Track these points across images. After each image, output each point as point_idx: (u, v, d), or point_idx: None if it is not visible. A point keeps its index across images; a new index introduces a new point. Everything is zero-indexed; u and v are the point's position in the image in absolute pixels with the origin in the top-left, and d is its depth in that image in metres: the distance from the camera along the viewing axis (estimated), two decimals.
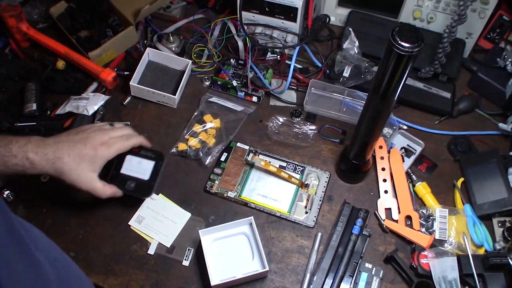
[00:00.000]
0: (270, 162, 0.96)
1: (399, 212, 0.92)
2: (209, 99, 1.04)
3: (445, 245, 0.88)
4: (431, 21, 1.07)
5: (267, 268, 0.83)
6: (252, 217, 0.87)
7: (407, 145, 1.00)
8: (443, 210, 0.90)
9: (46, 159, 0.77)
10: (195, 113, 1.03)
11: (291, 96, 1.06)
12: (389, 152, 0.98)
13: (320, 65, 1.08)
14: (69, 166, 0.78)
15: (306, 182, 0.95)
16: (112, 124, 0.89)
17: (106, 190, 0.83)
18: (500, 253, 0.83)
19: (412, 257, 0.85)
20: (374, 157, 0.97)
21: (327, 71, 1.07)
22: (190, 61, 1.05)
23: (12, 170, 0.76)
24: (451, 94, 1.03)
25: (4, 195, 0.91)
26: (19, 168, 0.76)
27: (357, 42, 1.03)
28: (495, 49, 1.07)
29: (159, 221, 0.91)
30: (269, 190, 0.94)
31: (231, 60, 1.09)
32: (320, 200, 0.94)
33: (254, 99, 1.06)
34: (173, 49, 1.10)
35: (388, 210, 0.93)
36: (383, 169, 0.96)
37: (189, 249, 0.89)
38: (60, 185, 0.93)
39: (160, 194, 0.94)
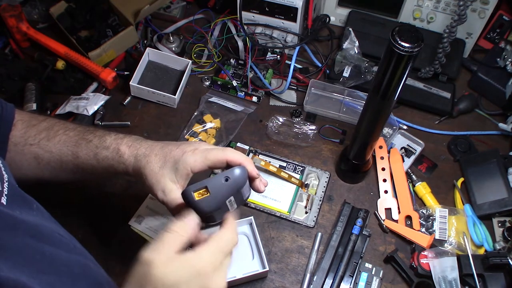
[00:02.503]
0: (270, 162, 0.96)
1: (399, 212, 0.92)
2: (209, 99, 1.05)
3: (445, 245, 0.88)
4: (431, 21, 1.07)
5: (267, 268, 0.83)
6: (252, 217, 0.87)
7: (407, 145, 1.00)
8: (443, 210, 0.90)
9: (135, 154, 0.69)
10: (195, 113, 1.03)
11: (291, 96, 1.06)
12: (389, 152, 0.98)
13: (320, 65, 1.08)
14: (151, 167, 0.68)
15: (306, 182, 0.95)
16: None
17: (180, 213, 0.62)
18: (500, 253, 0.83)
19: (412, 257, 0.85)
20: (374, 157, 0.97)
21: (327, 71, 1.07)
22: (190, 61, 1.05)
23: (101, 166, 0.71)
24: (451, 94, 1.03)
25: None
26: (108, 162, 0.70)
27: (357, 42, 1.03)
28: (495, 49, 1.07)
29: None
30: (269, 190, 0.94)
31: (231, 60, 1.09)
32: (320, 200, 0.94)
33: (254, 99, 1.06)
34: (173, 49, 1.10)
35: (388, 210, 0.93)
36: (383, 169, 0.96)
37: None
38: (60, 186, 0.94)
39: None
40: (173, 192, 0.66)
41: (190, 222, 0.58)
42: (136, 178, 0.71)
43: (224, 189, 0.60)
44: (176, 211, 0.66)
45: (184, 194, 0.60)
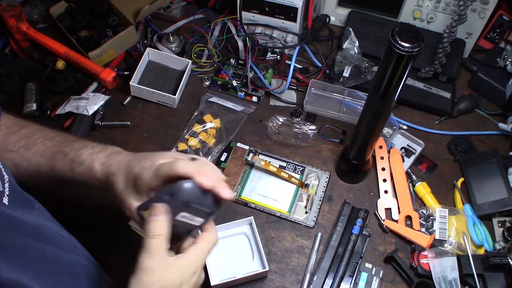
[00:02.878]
0: (270, 162, 0.96)
1: (399, 212, 0.92)
2: (209, 99, 1.04)
3: (445, 245, 0.88)
4: (431, 21, 1.07)
5: (267, 268, 0.83)
6: (252, 217, 0.87)
7: (407, 145, 1.00)
8: (443, 210, 0.90)
9: (106, 173, 0.66)
10: (195, 113, 1.03)
11: (291, 96, 1.06)
12: (389, 152, 0.98)
13: (320, 65, 1.08)
14: (117, 186, 0.65)
15: (306, 182, 0.95)
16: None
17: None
18: (500, 253, 0.83)
19: (412, 257, 0.85)
20: (374, 157, 0.97)
21: (327, 71, 1.07)
22: (190, 61, 1.05)
23: (77, 180, 0.70)
24: (451, 94, 1.03)
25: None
26: (84, 178, 0.69)
27: (357, 42, 1.03)
28: (495, 49, 1.07)
29: None
30: (269, 190, 0.94)
31: (231, 60, 1.09)
32: (320, 200, 0.94)
33: (254, 99, 1.06)
34: (173, 49, 1.10)
35: (388, 210, 0.93)
36: (383, 169, 0.96)
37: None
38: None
39: None
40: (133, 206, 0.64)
41: (163, 219, 0.58)
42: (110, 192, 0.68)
43: (170, 205, 0.58)
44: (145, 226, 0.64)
45: (138, 212, 0.61)
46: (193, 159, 0.64)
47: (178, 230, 0.62)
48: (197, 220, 0.62)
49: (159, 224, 0.58)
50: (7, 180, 0.57)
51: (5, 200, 0.54)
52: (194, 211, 0.60)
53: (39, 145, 0.73)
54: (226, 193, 0.61)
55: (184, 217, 0.61)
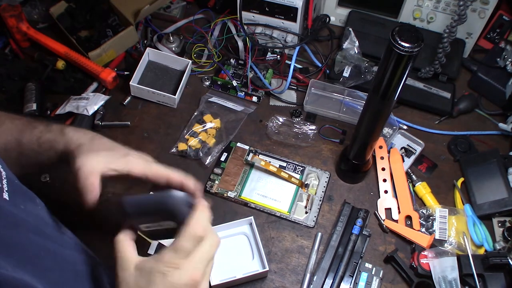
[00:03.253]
0: (270, 162, 0.96)
1: (399, 212, 0.92)
2: (209, 99, 1.04)
3: (445, 245, 0.88)
4: (431, 21, 1.07)
5: (267, 268, 0.83)
6: (252, 217, 0.87)
7: (407, 145, 1.00)
8: (443, 210, 0.90)
9: (79, 136, 0.68)
10: (195, 113, 1.03)
11: (291, 96, 1.06)
12: (389, 152, 0.98)
13: (320, 65, 1.08)
14: (92, 146, 0.66)
15: (306, 182, 0.95)
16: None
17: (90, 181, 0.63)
18: (500, 253, 0.83)
19: (412, 257, 0.85)
20: (374, 157, 0.97)
21: (327, 71, 1.07)
22: (190, 61, 1.05)
23: (43, 149, 0.70)
24: (451, 94, 1.03)
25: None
26: (50, 144, 0.69)
27: (357, 42, 1.03)
28: (495, 49, 1.07)
29: (158, 221, 0.91)
30: (269, 190, 0.94)
31: (231, 60, 1.09)
32: (320, 200, 0.94)
33: (254, 99, 1.06)
34: (173, 49, 1.10)
35: (388, 210, 0.93)
36: (383, 169, 0.96)
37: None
38: (59, 185, 0.93)
39: None
40: (93, 177, 0.64)
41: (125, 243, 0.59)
42: (69, 160, 0.67)
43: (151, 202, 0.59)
44: (84, 185, 0.64)
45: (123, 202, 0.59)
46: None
47: (158, 233, 0.63)
48: (168, 224, 0.61)
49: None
50: (5, 176, 0.57)
51: (6, 196, 0.54)
52: (148, 219, 0.61)
53: (8, 124, 0.73)
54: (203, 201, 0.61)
55: (148, 226, 0.62)
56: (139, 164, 0.66)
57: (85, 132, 0.70)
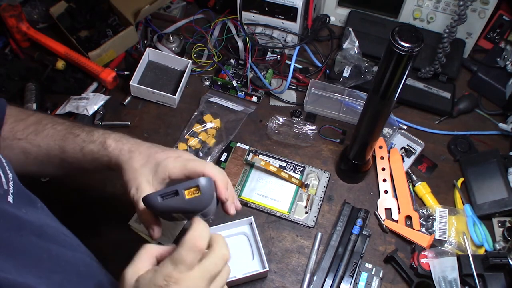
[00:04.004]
0: (270, 162, 0.96)
1: (399, 212, 0.92)
2: (209, 99, 1.04)
3: (445, 245, 0.88)
4: (431, 21, 1.07)
5: (267, 268, 0.83)
6: (252, 217, 0.87)
7: (407, 145, 1.00)
8: (443, 210, 0.90)
9: (120, 148, 0.69)
10: (195, 113, 1.03)
11: (291, 96, 1.06)
12: (389, 152, 0.98)
13: (320, 65, 1.08)
14: (132, 163, 0.67)
15: (306, 182, 0.95)
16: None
17: (145, 217, 0.66)
18: (500, 253, 0.83)
19: (412, 257, 0.85)
20: (374, 157, 0.97)
21: (327, 71, 1.07)
22: (190, 61, 1.05)
23: (87, 160, 0.72)
24: (451, 94, 1.03)
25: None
26: (93, 155, 0.71)
27: (357, 42, 1.03)
28: (495, 49, 1.07)
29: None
30: (269, 190, 0.94)
31: (231, 60, 1.09)
32: (320, 200, 0.94)
33: (254, 99, 1.06)
34: (173, 49, 1.10)
35: (388, 210, 0.93)
36: (383, 169, 0.96)
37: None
38: (59, 186, 0.93)
39: None
40: (145, 192, 0.65)
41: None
42: (116, 172, 0.70)
43: (174, 201, 0.59)
44: (141, 212, 0.66)
45: (148, 199, 0.60)
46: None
47: (164, 216, 0.65)
48: (187, 217, 0.64)
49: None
50: (11, 178, 0.57)
51: (10, 199, 0.54)
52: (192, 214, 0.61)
53: (49, 129, 0.74)
54: (232, 210, 0.67)
55: (177, 214, 0.62)
56: (175, 167, 0.67)
57: (123, 142, 0.71)
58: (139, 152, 0.69)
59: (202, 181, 0.59)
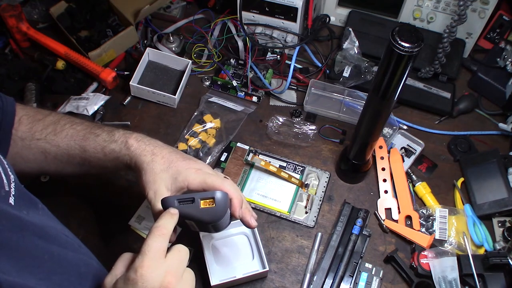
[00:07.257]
0: (270, 162, 0.96)
1: (399, 212, 0.92)
2: (209, 99, 1.05)
3: (445, 245, 0.88)
4: (431, 21, 1.07)
5: (267, 268, 0.83)
6: None
7: (407, 145, 1.00)
8: (443, 210, 0.90)
9: (143, 149, 0.72)
10: (195, 113, 1.03)
11: (291, 96, 1.06)
12: (389, 152, 0.98)
13: (320, 65, 1.08)
14: (153, 166, 0.70)
15: (306, 182, 0.95)
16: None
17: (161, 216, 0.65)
18: (500, 253, 0.83)
19: (412, 257, 0.85)
20: (374, 157, 0.97)
21: (327, 71, 1.07)
22: (190, 61, 1.05)
23: (108, 159, 0.73)
24: (451, 94, 1.03)
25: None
26: (115, 155, 0.73)
27: (357, 42, 1.03)
28: (495, 49, 1.07)
29: None
30: (269, 190, 0.94)
31: (231, 60, 1.09)
32: (320, 200, 0.94)
33: (254, 99, 1.06)
34: (173, 49, 1.10)
35: (388, 210, 0.93)
36: (383, 169, 0.96)
37: (189, 249, 0.88)
38: (60, 185, 0.93)
39: None
40: (159, 195, 0.68)
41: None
42: (135, 172, 0.72)
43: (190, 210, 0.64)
44: (157, 216, 0.67)
45: (166, 201, 0.64)
46: (225, 177, 0.72)
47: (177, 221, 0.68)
48: (198, 227, 0.68)
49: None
50: (13, 180, 0.57)
51: (11, 200, 0.54)
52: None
53: (68, 129, 0.75)
54: (253, 222, 0.71)
55: (190, 222, 0.67)
56: (195, 180, 0.69)
57: (145, 143, 0.73)
58: (162, 156, 0.71)
59: (218, 194, 0.63)
